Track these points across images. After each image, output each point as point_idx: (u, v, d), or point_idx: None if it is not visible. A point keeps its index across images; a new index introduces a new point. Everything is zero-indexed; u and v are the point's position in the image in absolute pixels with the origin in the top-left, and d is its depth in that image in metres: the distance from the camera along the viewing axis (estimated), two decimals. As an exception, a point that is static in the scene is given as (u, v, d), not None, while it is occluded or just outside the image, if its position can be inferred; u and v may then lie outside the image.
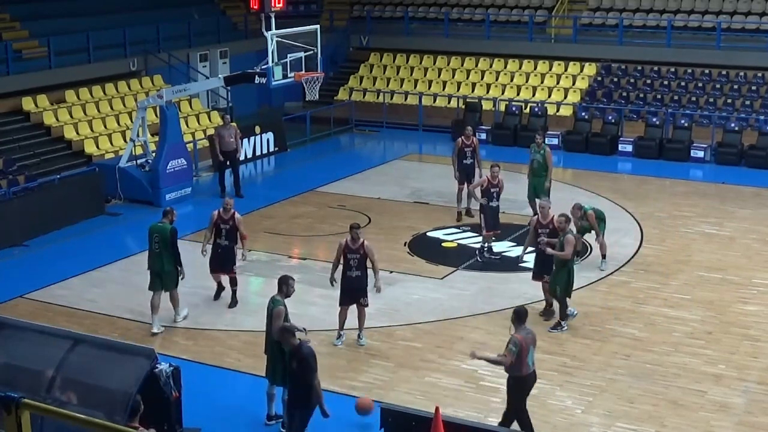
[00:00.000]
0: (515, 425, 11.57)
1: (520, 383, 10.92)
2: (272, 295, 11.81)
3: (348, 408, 12.34)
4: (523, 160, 21.36)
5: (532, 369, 10.91)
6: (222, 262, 15.42)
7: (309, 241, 18.87)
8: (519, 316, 10.91)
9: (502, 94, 29.73)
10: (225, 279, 15.62)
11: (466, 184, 19.74)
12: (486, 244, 17.80)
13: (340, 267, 13.83)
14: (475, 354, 11.20)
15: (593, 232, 17.02)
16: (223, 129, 22.11)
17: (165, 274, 14.40)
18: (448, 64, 31.45)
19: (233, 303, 15.56)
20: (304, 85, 21.44)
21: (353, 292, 13.70)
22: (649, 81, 29.02)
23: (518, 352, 10.63)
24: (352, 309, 13.90)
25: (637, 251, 18.10)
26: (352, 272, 13.59)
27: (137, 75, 27.37)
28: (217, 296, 15.79)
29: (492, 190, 17.41)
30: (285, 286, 11.74)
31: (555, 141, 26.70)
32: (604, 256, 17.15)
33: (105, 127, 24.96)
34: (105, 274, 17.34)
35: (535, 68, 30.37)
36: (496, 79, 30.45)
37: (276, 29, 21.00)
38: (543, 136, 19.90)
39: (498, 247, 18.20)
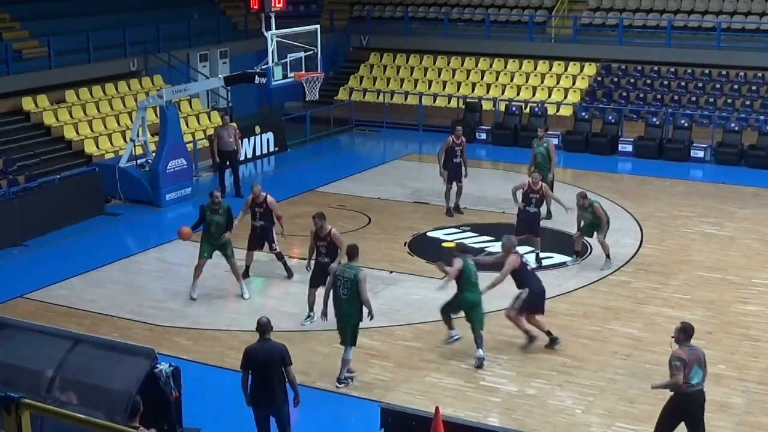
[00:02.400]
0: (516, 426, 11.58)
1: (681, 400, 10.33)
2: (343, 265, 12.62)
3: (348, 408, 12.36)
4: (524, 160, 21.38)
5: (698, 387, 10.27)
6: (261, 241, 16.56)
7: (309, 241, 18.84)
8: (686, 332, 10.32)
9: (502, 94, 29.73)
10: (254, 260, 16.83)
11: (454, 183, 19.91)
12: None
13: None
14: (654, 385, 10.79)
15: (586, 235, 17.00)
16: (222, 129, 22.12)
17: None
18: (448, 64, 31.45)
19: (290, 275, 16.71)
20: (304, 85, 21.44)
21: (322, 276, 14.13)
22: (649, 81, 29.03)
23: (683, 367, 10.07)
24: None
25: (637, 251, 18.10)
26: (321, 258, 14.42)
27: (137, 75, 27.37)
28: (246, 275, 16.51)
29: (531, 195, 17.28)
30: (357, 253, 12.73)
31: (555, 141, 26.68)
32: (608, 256, 17.11)
33: (105, 127, 24.96)
34: (105, 274, 17.34)
35: (535, 68, 30.37)
36: (496, 79, 30.45)
37: (276, 29, 21.00)
38: (544, 129, 19.92)
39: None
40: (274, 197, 16.70)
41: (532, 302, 13.60)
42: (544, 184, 17.18)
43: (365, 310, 12.48)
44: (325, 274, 13.74)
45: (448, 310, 13.82)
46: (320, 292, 13.98)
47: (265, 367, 10.36)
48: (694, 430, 10.47)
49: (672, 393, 10.33)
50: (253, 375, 10.45)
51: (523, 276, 13.76)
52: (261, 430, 10.69)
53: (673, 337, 10.37)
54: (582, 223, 17.18)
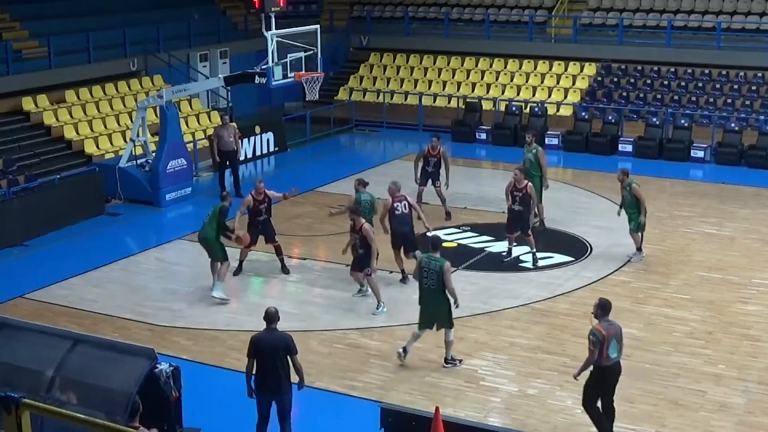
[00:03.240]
0: (516, 426, 11.59)
1: (600, 374, 10.86)
2: (428, 256, 13.08)
3: (348, 408, 12.36)
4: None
5: (615, 360, 10.80)
6: (258, 235, 16.71)
7: (309, 241, 18.86)
8: (603, 308, 10.86)
9: (502, 94, 29.73)
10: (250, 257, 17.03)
11: (426, 185, 19.96)
12: (508, 246, 17.73)
13: None
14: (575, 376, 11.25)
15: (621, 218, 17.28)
16: (221, 129, 22.12)
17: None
18: (448, 64, 31.46)
19: (285, 271, 16.90)
20: (304, 85, 21.44)
21: (359, 263, 15.44)
22: (649, 81, 29.03)
23: (600, 344, 10.60)
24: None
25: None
26: (357, 248, 15.46)
27: (137, 75, 27.37)
28: (239, 270, 16.83)
29: (515, 193, 17.31)
30: (441, 243, 13.47)
31: (555, 141, 26.73)
32: (639, 249, 17.35)
33: (105, 127, 24.96)
34: (105, 274, 17.33)
35: (535, 68, 30.37)
36: (496, 79, 30.45)
37: (276, 29, 20.99)
38: (533, 135, 19.77)
39: (492, 245, 18.20)
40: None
41: (392, 239, 16.25)
42: (529, 183, 17.23)
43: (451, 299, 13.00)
44: (362, 263, 15.18)
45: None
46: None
47: (271, 356, 10.58)
48: (607, 399, 11.02)
49: (592, 368, 10.84)
50: (258, 363, 10.66)
51: (390, 216, 16.22)
52: (262, 417, 10.88)
53: (592, 313, 10.93)
54: (622, 202, 17.50)
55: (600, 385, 10.94)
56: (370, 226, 15.40)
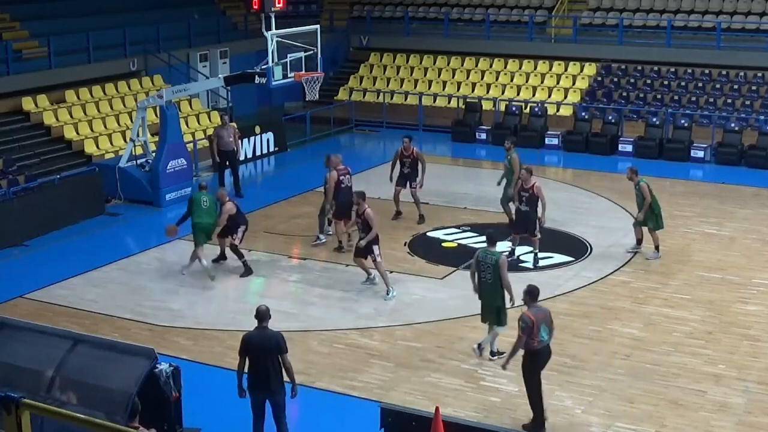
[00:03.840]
0: (516, 426, 11.59)
1: (532, 357, 11.34)
2: (484, 250, 13.34)
3: (348, 408, 12.36)
4: (524, 161, 21.33)
5: (546, 343, 11.33)
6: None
7: (309, 241, 18.86)
8: (532, 294, 11.47)
9: (502, 94, 29.73)
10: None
11: (405, 187, 19.86)
12: (511, 246, 17.73)
13: None
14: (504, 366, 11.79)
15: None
16: (221, 129, 22.12)
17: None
18: (448, 64, 31.45)
19: (247, 272, 16.96)
20: (304, 85, 21.43)
21: (364, 251, 15.97)
22: (649, 81, 29.03)
23: (529, 329, 11.13)
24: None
25: (637, 251, 18.09)
26: (359, 234, 16.05)
27: (137, 75, 27.37)
28: (222, 257, 17.34)
29: (522, 193, 17.29)
30: (497, 239, 13.74)
31: (555, 141, 26.74)
32: (657, 248, 17.52)
33: (105, 127, 24.97)
34: (105, 274, 17.33)
35: (535, 68, 30.37)
36: (496, 79, 30.45)
37: (276, 29, 20.98)
38: (511, 142, 19.41)
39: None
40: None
41: (336, 210, 17.71)
42: (536, 184, 17.17)
43: (507, 294, 13.22)
44: (367, 249, 15.70)
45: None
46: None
47: (262, 354, 10.67)
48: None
49: (523, 353, 11.35)
50: (250, 361, 10.75)
51: (336, 189, 17.57)
52: (257, 415, 10.94)
53: (523, 300, 11.56)
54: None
55: (534, 368, 11.41)
56: (372, 211, 15.75)
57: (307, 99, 23.36)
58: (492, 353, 13.49)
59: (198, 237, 16.62)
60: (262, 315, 10.82)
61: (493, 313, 13.30)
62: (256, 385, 10.81)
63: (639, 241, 17.88)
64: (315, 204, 21.14)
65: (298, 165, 25.60)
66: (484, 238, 13.98)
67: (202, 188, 17.11)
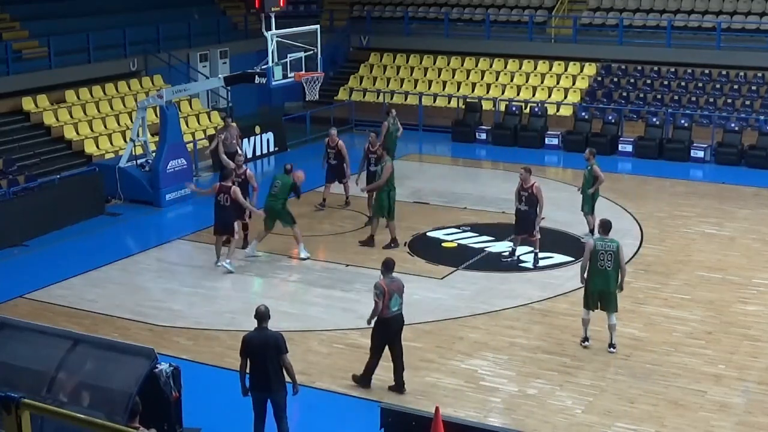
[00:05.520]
0: (516, 426, 11.58)
1: (382, 325, 12.29)
2: (600, 239, 13.56)
3: (348, 408, 12.36)
4: (523, 161, 21.40)
5: (396, 312, 12.30)
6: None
7: (309, 241, 18.85)
8: (387, 266, 12.36)
9: (502, 94, 29.73)
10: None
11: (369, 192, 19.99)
12: (513, 246, 17.73)
13: None
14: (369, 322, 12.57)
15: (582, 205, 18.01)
16: (224, 131, 22.08)
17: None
18: (448, 64, 31.45)
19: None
20: (304, 85, 21.44)
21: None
22: (649, 81, 29.03)
23: (383, 295, 12.07)
24: None
25: (637, 251, 18.09)
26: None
27: (137, 75, 27.37)
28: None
29: (521, 193, 17.28)
30: (611, 226, 13.96)
31: (555, 141, 26.74)
32: (591, 231, 17.86)
33: (105, 127, 24.97)
34: (105, 274, 17.33)
35: (535, 68, 30.37)
36: (496, 79, 30.45)
37: (276, 29, 20.99)
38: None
39: (492, 246, 18.20)
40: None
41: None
42: (535, 183, 17.17)
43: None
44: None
45: None
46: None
47: (261, 355, 10.70)
48: (395, 348, 12.44)
49: (375, 320, 12.30)
50: (250, 362, 10.80)
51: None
52: (258, 414, 10.97)
53: (381, 270, 12.38)
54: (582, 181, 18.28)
55: (383, 335, 12.35)
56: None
57: (307, 99, 23.36)
58: (611, 345, 13.71)
59: (265, 220, 17.60)
60: (262, 315, 10.84)
61: (613, 300, 13.54)
62: (256, 385, 10.84)
63: (592, 231, 17.96)
64: (315, 204, 21.14)
65: (299, 165, 25.49)
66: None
67: (286, 171, 18.17)
